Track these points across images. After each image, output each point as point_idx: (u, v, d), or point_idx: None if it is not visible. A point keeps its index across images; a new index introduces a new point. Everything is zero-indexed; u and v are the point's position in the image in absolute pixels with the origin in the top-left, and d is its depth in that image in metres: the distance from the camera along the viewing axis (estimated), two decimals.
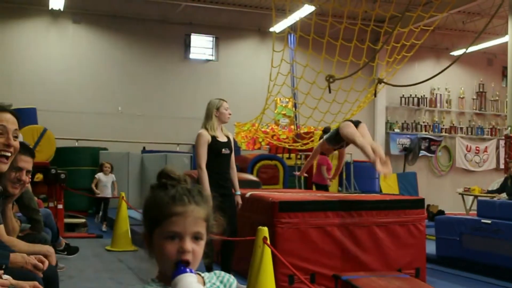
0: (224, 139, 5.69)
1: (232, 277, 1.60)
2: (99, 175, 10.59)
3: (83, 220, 10.08)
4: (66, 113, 14.78)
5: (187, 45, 16.27)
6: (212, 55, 16.54)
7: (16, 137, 2.24)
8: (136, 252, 8.03)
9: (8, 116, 2.27)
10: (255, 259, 4.22)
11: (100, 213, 10.80)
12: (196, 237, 1.48)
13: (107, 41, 15.61)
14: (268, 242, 4.22)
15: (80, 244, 7.58)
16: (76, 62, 15.25)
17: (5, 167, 2.20)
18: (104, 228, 10.31)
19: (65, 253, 7.09)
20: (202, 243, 1.50)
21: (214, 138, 5.59)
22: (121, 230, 8.23)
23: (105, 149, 13.81)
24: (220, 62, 16.52)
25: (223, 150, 5.62)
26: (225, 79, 16.34)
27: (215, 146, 5.58)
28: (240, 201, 5.88)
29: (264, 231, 4.29)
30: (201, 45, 16.45)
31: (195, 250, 1.47)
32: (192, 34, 16.26)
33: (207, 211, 1.53)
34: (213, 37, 16.50)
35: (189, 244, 1.46)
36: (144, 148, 14.66)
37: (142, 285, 1.50)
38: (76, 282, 6.00)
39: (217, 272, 1.58)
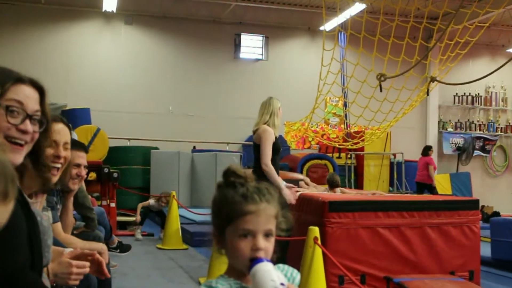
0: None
1: (296, 271, 1.62)
2: (152, 202, 9.42)
3: (134, 219, 10.23)
4: (118, 113, 15.07)
5: (237, 45, 16.33)
6: (262, 54, 16.56)
7: (66, 148, 2.25)
8: (186, 251, 8.11)
9: (60, 127, 2.27)
10: (306, 259, 4.19)
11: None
12: (267, 234, 1.53)
13: (158, 42, 15.84)
14: (319, 242, 4.19)
15: (131, 242, 7.73)
16: (128, 63, 15.53)
17: (55, 179, 2.22)
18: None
19: (118, 251, 7.23)
20: (273, 239, 1.54)
21: (275, 136, 5.62)
22: (172, 228, 8.33)
23: (156, 148, 14.00)
24: (270, 61, 16.53)
25: (281, 148, 5.67)
26: (275, 78, 16.33)
27: (277, 144, 5.61)
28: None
29: (315, 231, 4.26)
30: (251, 45, 16.48)
31: (267, 247, 1.51)
32: (242, 33, 16.31)
33: (276, 208, 1.56)
34: (262, 36, 16.52)
35: (262, 242, 1.50)
36: (194, 147, 14.80)
37: (214, 280, 1.53)
38: (129, 279, 6.10)
39: (281, 265, 1.59)
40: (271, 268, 1.47)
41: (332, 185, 8.11)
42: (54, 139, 2.16)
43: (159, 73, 15.72)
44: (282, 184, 5.41)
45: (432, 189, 12.83)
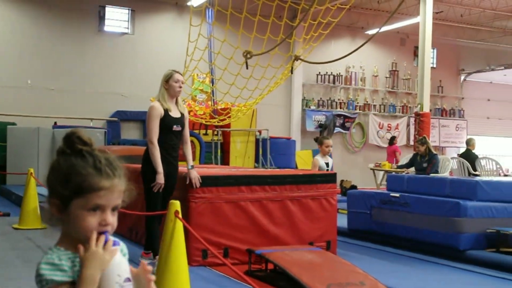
0: (177, 115, 5.38)
1: (122, 243, 1.59)
2: None
3: None
4: None
5: (101, 17, 15.75)
6: (128, 28, 16.12)
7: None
8: (45, 230, 7.76)
9: None
10: (167, 234, 4.16)
11: None
12: (113, 209, 1.50)
13: (15, 10, 14.86)
14: (180, 216, 4.16)
15: None
16: None
17: None
18: None
19: None
20: (117, 213, 1.53)
21: (166, 112, 5.27)
22: (29, 207, 7.92)
23: (13, 124, 13.24)
24: (136, 36, 16.13)
25: (174, 126, 5.31)
26: (142, 53, 15.98)
27: (166, 121, 5.26)
28: (195, 175, 5.62)
29: (176, 204, 4.22)
30: (116, 18, 15.98)
31: (114, 221, 1.50)
32: (106, 6, 15.75)
33: (125, 183, 1.53)
34: (129, 9, 16.06)
35: (110, 217, 1.48)
36: (55, 123, 14.15)
37: (55, 255, 1.46)
38: None
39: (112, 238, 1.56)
40: (119, 258, 1.47)
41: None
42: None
43: (17, 44, 14.77)
44: (160, 168, 5.16)
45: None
